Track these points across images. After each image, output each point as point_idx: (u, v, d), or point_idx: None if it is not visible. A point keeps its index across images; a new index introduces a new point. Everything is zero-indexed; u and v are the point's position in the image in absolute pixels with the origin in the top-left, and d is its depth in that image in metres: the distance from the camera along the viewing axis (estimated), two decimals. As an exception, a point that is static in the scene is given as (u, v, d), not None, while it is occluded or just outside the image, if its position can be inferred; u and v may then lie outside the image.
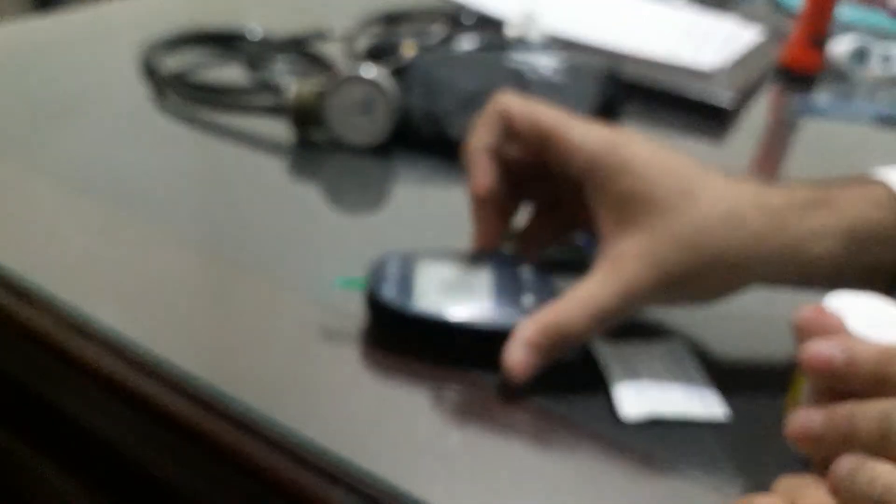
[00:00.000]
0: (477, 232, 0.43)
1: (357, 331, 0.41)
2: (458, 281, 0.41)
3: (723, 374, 0.41)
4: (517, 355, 0.37)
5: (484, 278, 0.41)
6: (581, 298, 0.38)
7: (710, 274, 0.38)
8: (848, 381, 0.29)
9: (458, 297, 0.40)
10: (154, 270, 0.45)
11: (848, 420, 0.28)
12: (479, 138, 0.42)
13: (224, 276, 0.46)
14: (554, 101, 0.63)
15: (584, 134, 0.40)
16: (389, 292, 0.39)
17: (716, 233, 0.37)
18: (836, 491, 0.26)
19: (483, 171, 0.41)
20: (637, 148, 0.39)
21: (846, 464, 0.26)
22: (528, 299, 0.39)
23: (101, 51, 0.78)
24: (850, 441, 0.27)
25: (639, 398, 0.37)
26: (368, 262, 0.42)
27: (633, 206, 0.38)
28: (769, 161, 0.74)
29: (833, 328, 0.31)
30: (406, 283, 0.40)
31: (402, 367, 0.39)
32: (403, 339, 0.40)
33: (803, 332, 0.31)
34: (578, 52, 0.85)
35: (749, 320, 0.45)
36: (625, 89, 0.73)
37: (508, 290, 0.40)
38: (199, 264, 0.47)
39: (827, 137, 0.78)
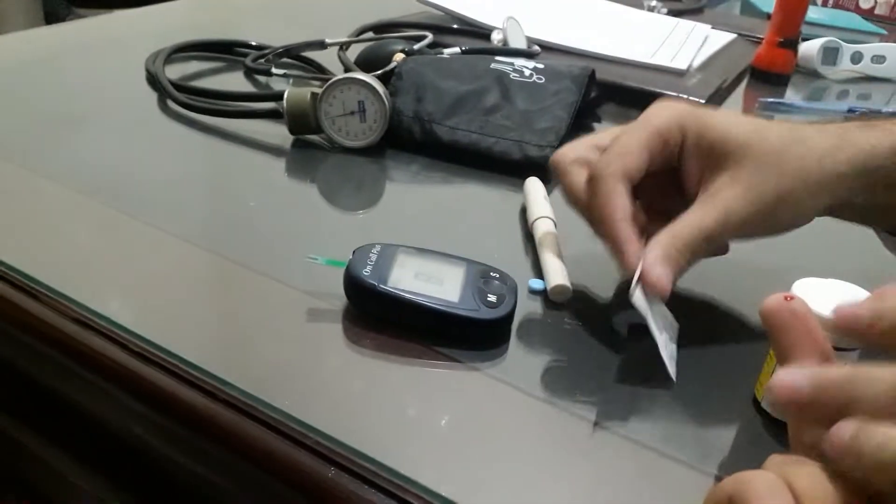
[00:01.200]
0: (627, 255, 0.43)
1: (350, 319, 0.43)
2: (432, 273, 0.44)
3: (701, 364, 0.43)
4: (658, 270, 0.40)
5: (457, 275, 0.44)
6: (688, 223, 0.42)
7: (794, 193, 0.42)
8: (816, 411, 0.27)
9: (429, 286, 0.43)
10: (158, 267, 0.47)
11: (848, 386, 0.26)
12: (619, 213, 0.43)
13: (224, 271, 0.48)
14: (535, 102, 0.67)
15: (667, 120, 0.44)
16: (366, 271, 0.43)
17: (790, 153, 0.42)
18: (839, 457, 0.25)
19: (635, 247, 0.42)
20: (708, 112, 0.44)
21: (848, 429, 0.25)
22: (491, 298, 0.43)
23: (109, 59, 0.80)
24: (849, 408, 0.26)
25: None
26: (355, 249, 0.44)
27: (718, 153, 0.42)
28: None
29: (800, 314, 0.31)
30: (383, 267, 0.43)
31: (393, 353, 0.41)
32: (393, 327, 0.42)
33: (770, 319, 0.31)
34: (559, 56, 0.87)
35: (721, 305, 0.48)
36: (603, 89, 0.76)
37: (477, 287, 0.44)
38: (201, 260, 0.49)
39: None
